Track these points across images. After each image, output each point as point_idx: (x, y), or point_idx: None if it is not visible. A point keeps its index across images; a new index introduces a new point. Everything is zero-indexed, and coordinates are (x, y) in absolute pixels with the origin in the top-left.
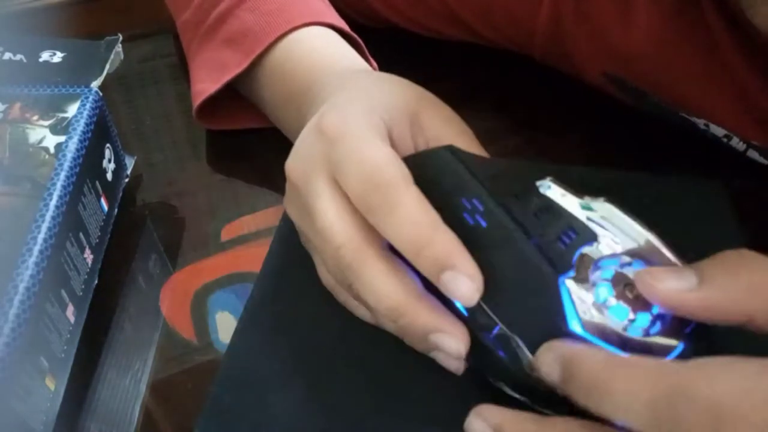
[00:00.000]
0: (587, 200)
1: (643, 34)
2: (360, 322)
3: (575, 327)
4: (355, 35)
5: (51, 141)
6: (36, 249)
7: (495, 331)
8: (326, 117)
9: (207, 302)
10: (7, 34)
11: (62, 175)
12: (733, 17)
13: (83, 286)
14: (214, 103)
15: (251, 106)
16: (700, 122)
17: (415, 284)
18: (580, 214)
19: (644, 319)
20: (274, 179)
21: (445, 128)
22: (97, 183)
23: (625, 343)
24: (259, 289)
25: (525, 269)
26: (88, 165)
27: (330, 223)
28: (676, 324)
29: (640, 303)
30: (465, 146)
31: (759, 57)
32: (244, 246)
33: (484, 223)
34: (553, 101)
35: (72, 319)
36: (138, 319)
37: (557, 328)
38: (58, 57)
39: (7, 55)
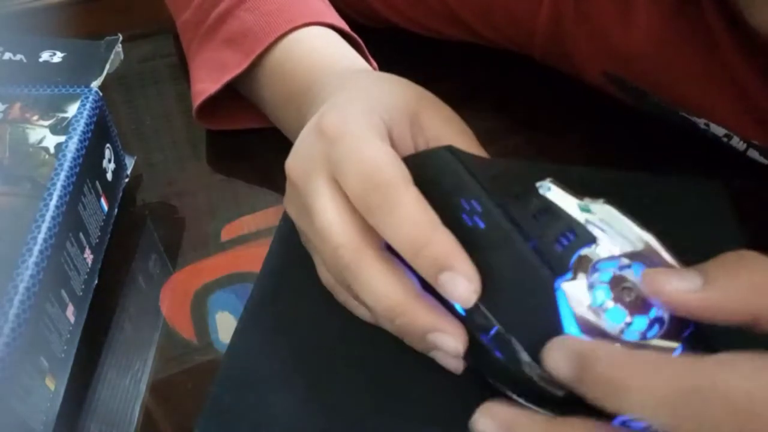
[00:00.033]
0: (587, 202)
1: (643, 34)
2: (360, 322)
3: (571, 330)
4: (355, 35)
5: (51, 141)
6: (36, 249)
7: (492, 332)
8: (326, 117)
9: (207, 302)
10: (7, 34)
11: (62, 175)
12: (733, 17)
13: (83, 286)
14: (214, 103)
15: (251, 106)
16: (701, 122)
17: (413, 284)
18: (579, 216)
19: (641, 322)
20: (274, 179)
21: (445, 128)
22: (97, 183)
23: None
24: (259, 289)
25: (522, 272)
26: (88, 165)
27: (329, 223)
28: (674, 327)
29: (637, 306)
30: (465, 146)
31: (759, 57)
32: (244, 246)
33: (482, 225)
34: (553, 101)
35: (72, 319)
36: (138, 319)
37: (553, 331)
38: (58, 57)
39: (7, 55)
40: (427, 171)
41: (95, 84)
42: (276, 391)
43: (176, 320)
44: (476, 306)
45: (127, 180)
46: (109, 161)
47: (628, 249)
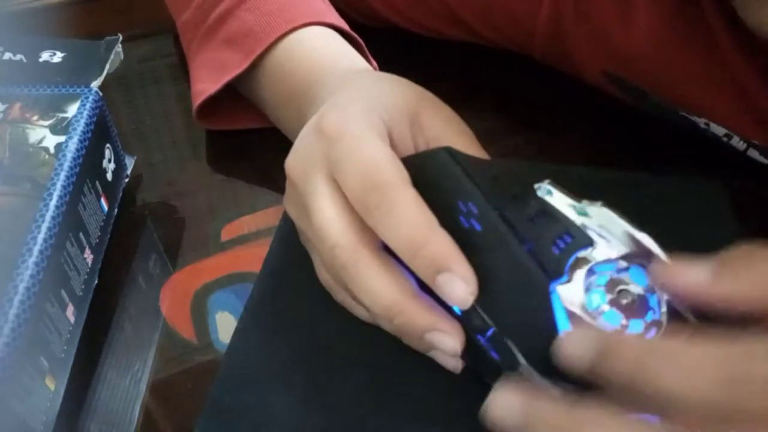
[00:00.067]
0: (585, 204)
1: (643, 34)
2: (360, 322)
3: None
4: (355, 35)
5: (51, 141)
6: (36, 249)
7: (489, 334)
8: (326, 116)
9: (207, 302)
10: (7, 34)
11: (62, 175)
12: (733, 17)
13: (83, 286)
14: (214, 103)
15: (251, 106)
16: (701, 122)
17: (411, 284)
18: (577, 219)
19: (637, 326)
20: (274, 179)
21: (445, 128)
22: (97, 183)
23: None
24: (259, 289)
25: (517, 275)
26: (88, 165)
27: (326, 222)
28: (671, 331)
29: (634, 310)
30: (465, 146)
31: (759, 57)
32: (244, 246)
33: (478, 227)
34: (553, 101)
35: (72, 319)
36: (138, 319)
37: (549, 334)
38: (58, 57)
39: (7, 55)
40: (425, 172)
41: (95, 84)
42: (276, 391)
43: (176, 320)
44: (473, 307)
45: (127, 180)
46: (109, 161)
47: (626, 252)
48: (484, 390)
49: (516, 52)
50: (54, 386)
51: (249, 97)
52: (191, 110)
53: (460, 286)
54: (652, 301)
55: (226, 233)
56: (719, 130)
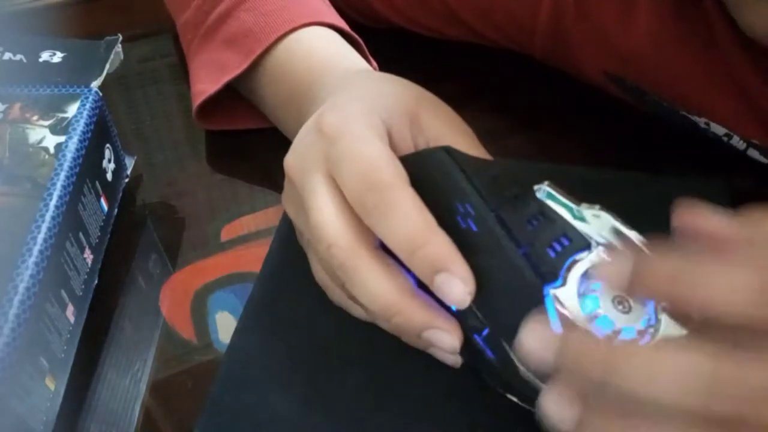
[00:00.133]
0: (583, 207)
1: (643, 33)
2: (360, 322)
3: None
4: (355, 35)
5: (51, 141)
6: (36, 249)
7: (484, 333)
8: (326, 116)
9: (207, 302)
10: (7, 34)
11: (62, 175)
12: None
13: (83, 286)
14: (214, 103)
15: (251, 106)
16: (701, 121)
17: (409, 283)
18: (575, 222)
19: (630, 332)
20: (274, 179)
21: (445, 128)
22: (97, 183)
23: None
24: (259, 289)
25: (511, 278)
26: (88, 165)
27: (324, 221)
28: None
29: (628, 315)
30: (465, 146)
31: (759, 56)
32: (244, 246)
33: (475, 228)
34: (553, 101)
35: (72, 319)
36: (138, 319)
37: None
38: (58, 57)
39: (7, 55)
40: (424, 172)
41: (95, 84)
42: (276, 391)
43: (176, 320)
44: (469, 307)
45: (127, 180)
46: (109, 161)
47: None
48: (484, 390)
49: (516, 52)
50: (54, 386)
51: (249, 97)
52: (191, 110)
53: (458, 286)
54: (649, 307)
55: (226, 233)
56: (719, 130)
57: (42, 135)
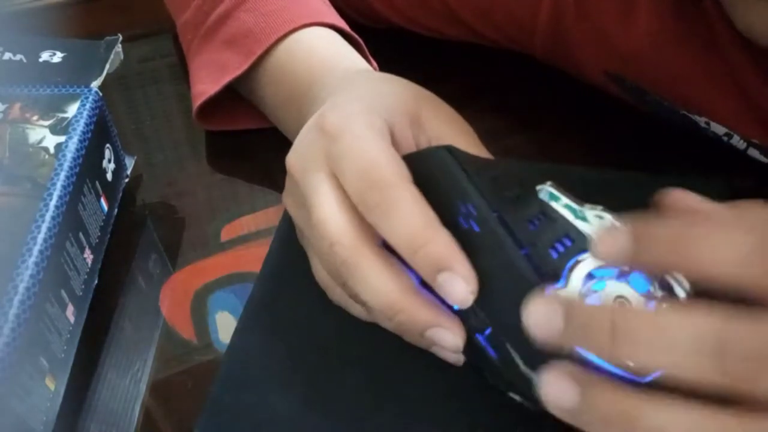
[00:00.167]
0: (586, 208)
1: (643, 33)
2: (360, 322)
3: None
4: (355, 35)
5: (51, 141)
6: (36, 249)
7: (486, 333)
8: (327, 114)
9: (207, 302)
10: (7, 34)
11: (62, 175)
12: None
13: (83, 286)
14: (214, 103)
15: (251, 106)
16: (701, 120)
17: (411, 281)
18: (577, 222)
19: None
20: (274, 179)
21: (446, 128)
22: (97, 183)
23: None
24: (259, 289)
25: (513, 279)
26: (88, 165)
27: (326, 218)
28: None
29: None
30: (467, 146)
31: (759, 56)
32: (244, 246)
33: (477, 228)
34: (553, 101)
35: (72, 319)
36: (138, 319)
37: None
38: (58, 57)
39: (7, 55)
40: (426, 171)
41: (95, 84)
42: (276, 391)
43: (176, 320)
44: (471, 307)
45: (127, 180)
46: (109, 161)
47: None
48: (484, 390)
49: (516, 52)
50: (54, 386)
51: (249, 97)
52: (191, 110)
53: (461, 285)
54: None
55: (226, 233)
56: (719, 129)
57: (42, 135)
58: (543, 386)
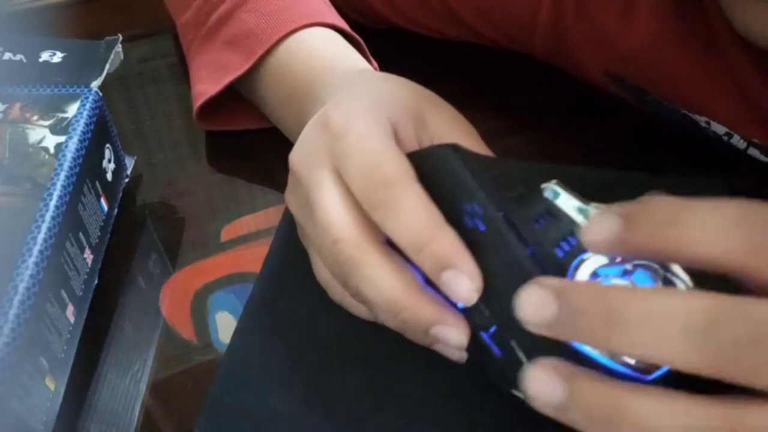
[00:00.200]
0: (591, 206)
1: (643, 33)
2: (360, 322)
3: None
4: (356, 35)
5: (51, 141)
6: (36, 249)
7: (491, 330)
8: (331, 112)
9: (207, 302)
10: (7, 34)
11: (62, 175)
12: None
13: (83, 286)
14: (214, 103)
15: (251, 106)
16: (701, 120)
17: (416, 278)
18: (583, 221)
19: None
20: (274, 179)
21: (449, 127)
22: (97, 183)
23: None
24: (259, 289)
25: (519, 278)
26: (88, 165)
27: (329, 215)
28: None
29: None
30: (469, 145)
31: (759, 56)
32: (244, 246)
33: (482, 227)
34: (554, 101)
35: (72, 319)
36: (138, 319)
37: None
38: (58, 57)
39: (7, 55)
40: (430, 169)
41: (95, 84)
42: (276, 391)
43: (176, 320)
44: (476, 305)
45: (127, 180)
46: (109, 161)
47: None
48: (484, 390)
49: (516, 52)
50: (54, 386)
51: (249, 97)
52: (191, 110)
53: (465, 283)
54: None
55: (226, 233)
56: (720, 129)
57: (42, 135)
58: (528, 382)
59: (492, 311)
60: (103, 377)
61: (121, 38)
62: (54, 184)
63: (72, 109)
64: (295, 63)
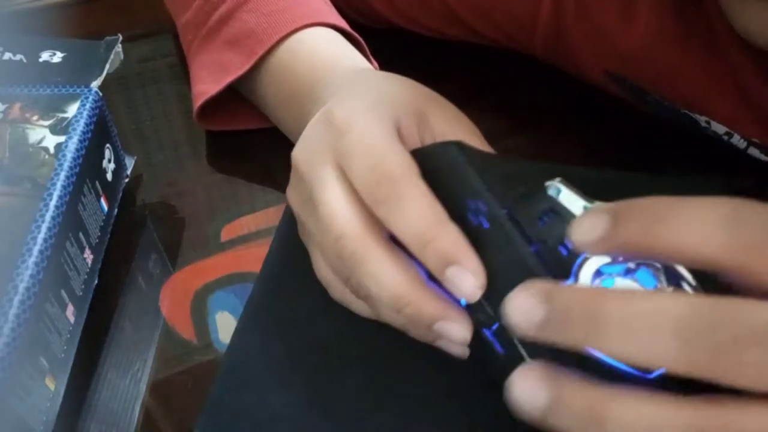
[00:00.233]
0: (595, 204)
1: (643, 32)
2: (360, 322)
3: None
4: (356, 35)
5: (51, 141)
6: (36, 249)
7: (494, 327)
8: (335, 109)
9: (207, 302)
10: (7, 34)
11: (62, 175)
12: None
13: (83, 286)
14: (214, 103)
15: (252, 106)
16: (701, 119)
17: (419, 274)
18: None
19: None
20: (274, 179)
21: (452, 125)
22: (97, 183)
23: None
24: (259, 289)
25: (522, 276)
26: (88, 165)
27: (333, 210)
28: None
29: None
30: (472, 144)
31: (759, 56)
32: (244, 246)
33: (486, 224)
34: (554, 101)
35: (72, 319)
36: (138, 319)
37: None
38: (58, 57)
39: (7, 55)
40: (434, 166)
41: (95, 84)
42: (276, 391)
43: (176, 320)
44: (479, 302)
45: (127, 180)
46: (109, 161)
47: None
48: (484, 390)
49: (516, 52)
50: (54, 386)
51: (249, 97)
52: (191, 110)
53: (469, 279)
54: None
55: (226, 233)
56: (720, 129)
57: (42, 135)
58: (511, 390)
59: (495, 308)
60: (103, 377)
61: (121, 38)
62: (54, 184)
63: (72, 109)
64: (296, 63)
